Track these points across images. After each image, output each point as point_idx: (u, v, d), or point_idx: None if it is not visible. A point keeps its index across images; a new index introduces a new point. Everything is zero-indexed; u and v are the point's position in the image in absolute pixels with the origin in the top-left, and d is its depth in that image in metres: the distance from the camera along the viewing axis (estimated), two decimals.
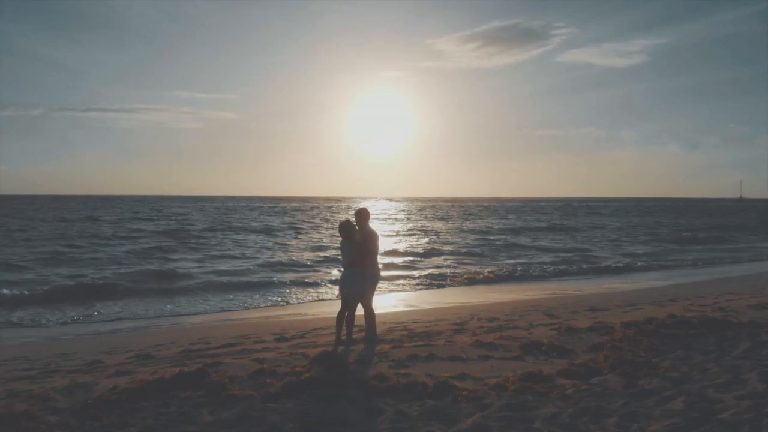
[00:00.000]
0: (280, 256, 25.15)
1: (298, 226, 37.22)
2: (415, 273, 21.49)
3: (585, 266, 24.24)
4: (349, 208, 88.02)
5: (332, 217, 59.09)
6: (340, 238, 8.75)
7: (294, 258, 24.50)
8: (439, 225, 41.04)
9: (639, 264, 24.76)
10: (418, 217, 55.36)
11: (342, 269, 8.94)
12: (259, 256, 25.23)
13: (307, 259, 24.20)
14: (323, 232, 35.00)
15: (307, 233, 33.19)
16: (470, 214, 69.53)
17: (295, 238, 33.77)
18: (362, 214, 8.69)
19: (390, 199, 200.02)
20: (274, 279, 19.28)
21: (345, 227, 8.55)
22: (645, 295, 14.64)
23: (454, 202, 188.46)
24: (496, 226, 43.29)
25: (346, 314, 8.53)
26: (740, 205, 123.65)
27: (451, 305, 14.49)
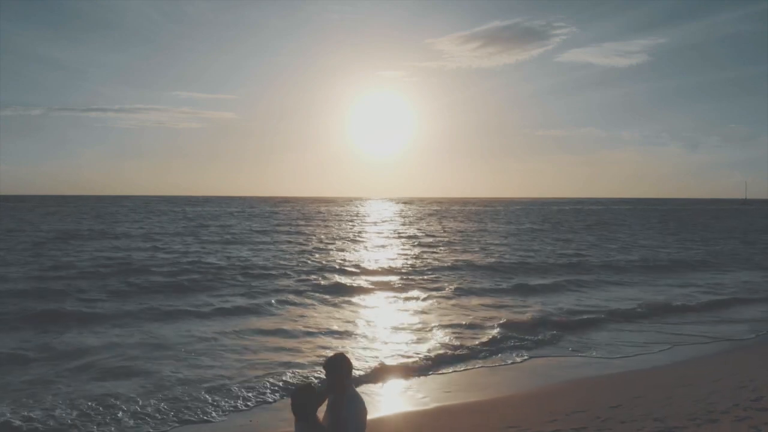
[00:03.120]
0: None
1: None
2: (472, 337, 12.12)
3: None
4: (347, 211, 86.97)
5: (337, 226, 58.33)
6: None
7: None
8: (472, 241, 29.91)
9: None
10: (430, 224, 45.56)
11: None
12: None
13: None
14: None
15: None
16: (486, 217, 63.46)
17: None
18: (341, 366, 4.13)
19: (398, 201, 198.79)
20: None
21: (301, 398, 4.07)
22: None
23: (455, 202, 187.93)
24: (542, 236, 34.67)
25: None
26: (756, 209, 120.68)
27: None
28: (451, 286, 16.58)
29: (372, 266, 19.75)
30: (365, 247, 25.85)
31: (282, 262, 20.35)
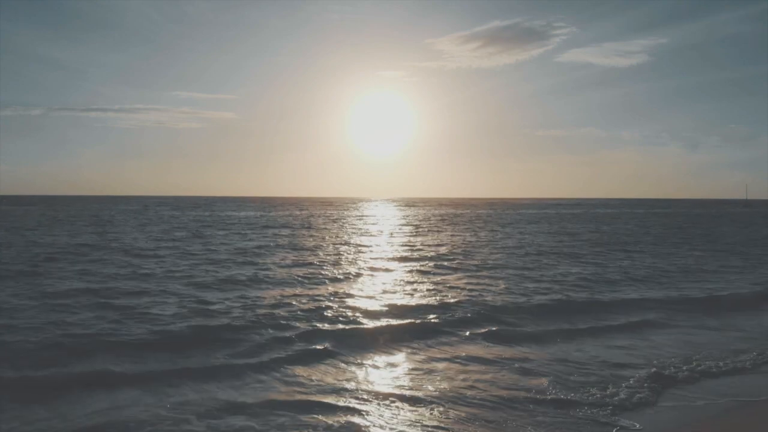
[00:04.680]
0: None
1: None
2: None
3: None
4: (346, 214, 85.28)
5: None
6: None
7: None
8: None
9: None
10: (449, 235, 38.39)
11: None
12: None
13: None
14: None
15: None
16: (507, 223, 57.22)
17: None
18: None
19: (399, 203, 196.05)
20: None
21: None
22: None
23: (457, 203, 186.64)
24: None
25: None
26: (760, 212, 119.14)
27: None
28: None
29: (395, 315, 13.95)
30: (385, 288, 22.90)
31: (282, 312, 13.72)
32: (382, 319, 12.04)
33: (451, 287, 16.21)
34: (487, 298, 14.48)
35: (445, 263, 21.64)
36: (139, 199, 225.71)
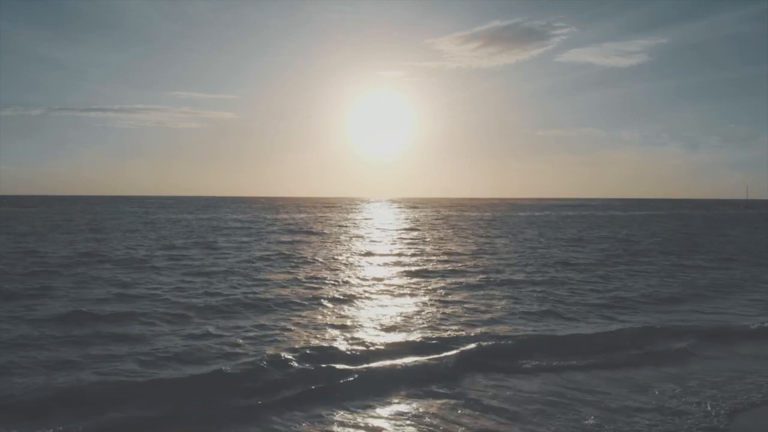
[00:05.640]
0: None
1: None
2: None
3: None
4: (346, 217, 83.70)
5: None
6: None
7: None
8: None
9: None
10: (458, 242, 37.22)
11: None
12: None
13: None
14: None
15: None
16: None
17: None
18: None
19: (401, 204, 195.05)
20: None
21: None
22: None
23: (458, 203, 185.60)
24: None
25: None
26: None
27: None
28: None
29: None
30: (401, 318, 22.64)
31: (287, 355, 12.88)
32: (398, 358, 10.67)
33: (477, 310, 15.02)
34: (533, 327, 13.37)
35: (469, 280, 20.24)
36: (139, 199, 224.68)
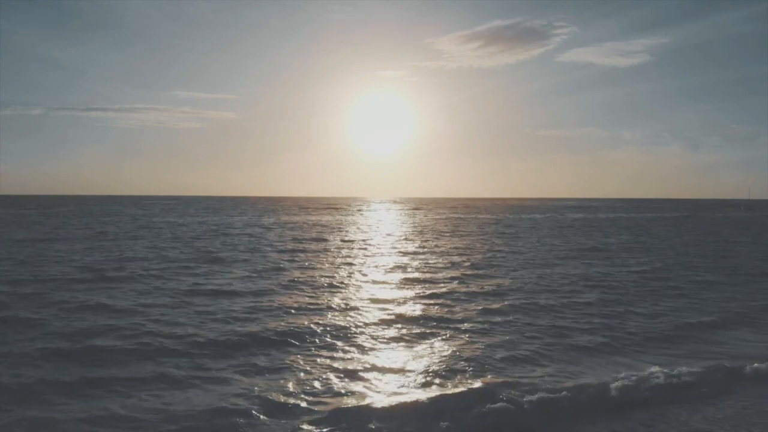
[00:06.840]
0: None
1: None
2: None
3: None
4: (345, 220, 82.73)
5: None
6: None
7: None
8: None
9: None
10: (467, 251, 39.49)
11: None
12: None
13: None
14: None
15: None
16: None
17: None
18: None
19: (402, 205, 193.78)
20: None
21: None
22: None
23: (460, 204, 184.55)
24: None
25: None
26: None
27: None
28: None
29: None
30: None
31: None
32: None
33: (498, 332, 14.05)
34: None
35: (490, 301, 19.15)
36: (139, 199, 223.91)
